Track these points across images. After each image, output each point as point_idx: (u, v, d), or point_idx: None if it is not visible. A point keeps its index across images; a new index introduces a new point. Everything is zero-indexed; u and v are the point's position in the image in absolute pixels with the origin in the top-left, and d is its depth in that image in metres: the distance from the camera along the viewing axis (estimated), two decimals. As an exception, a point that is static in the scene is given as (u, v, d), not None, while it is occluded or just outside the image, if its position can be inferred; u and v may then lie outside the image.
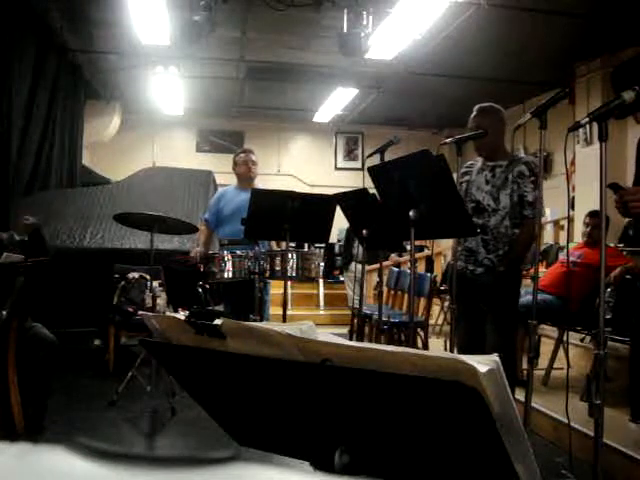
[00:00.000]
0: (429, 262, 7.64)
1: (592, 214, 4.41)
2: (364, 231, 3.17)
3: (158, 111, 9.31)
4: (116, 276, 4.86)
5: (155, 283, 4.35)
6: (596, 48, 6.42)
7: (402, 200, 2.51)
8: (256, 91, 8.83)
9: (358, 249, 5.43)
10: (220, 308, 4.21)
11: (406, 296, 5.53)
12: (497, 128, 3.17)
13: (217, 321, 1.01)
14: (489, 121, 3.14)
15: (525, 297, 3.87)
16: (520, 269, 3.27)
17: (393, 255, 6.88)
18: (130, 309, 4.61)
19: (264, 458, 0.98)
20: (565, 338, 4.14)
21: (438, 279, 5.83)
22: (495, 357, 0.76)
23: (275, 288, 4.75)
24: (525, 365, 3.02)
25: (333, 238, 9.25)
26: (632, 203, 2.11)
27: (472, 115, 3.22)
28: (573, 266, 4.19)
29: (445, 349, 4.82)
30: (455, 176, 2.71)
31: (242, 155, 4.42)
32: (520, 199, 3.10)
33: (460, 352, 3.10)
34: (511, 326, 3.19)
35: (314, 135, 11.26)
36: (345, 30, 5.29)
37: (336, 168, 11.46)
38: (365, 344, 0.92)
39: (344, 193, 3.33)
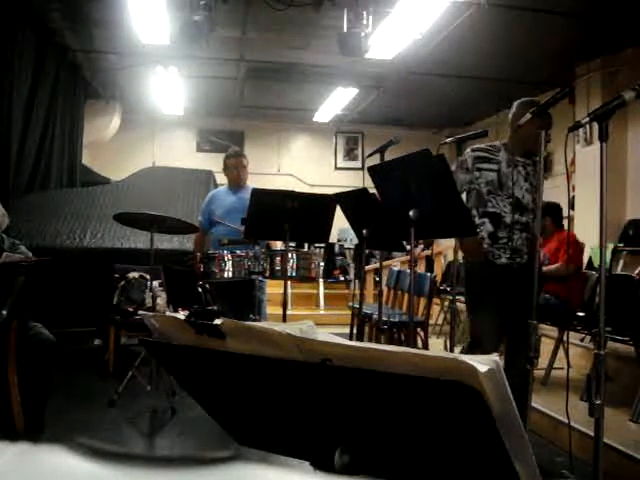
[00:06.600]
0: (429, 262, 7.65)
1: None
2: (364, 231, 3.17)
3: (158, 111, 9.32)
4: (116, 276, 4.86)
5: (155, 283, 4.35)
6: (596, 48, 6.42)
7: (402, 200, 2.51)
8: (256, 91, 8.83)
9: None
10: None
11: (406, 296, 5.53)
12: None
13: (217, 321, 1.01)
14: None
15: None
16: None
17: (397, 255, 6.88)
18: (130, 309, 4.61)
19: (264, 458, 0.98)
20: (565, 338, 4.14)
21: (438, 279, 5.83)
22: (495, 357, 0.76)
23: (275, 288, 4.74)
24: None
25: (333, 238, 9.25)
26: None
27: (514, 110, 3.05)
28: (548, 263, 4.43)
29: (445, 349, 4.83)
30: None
31: (232, 160, 4.39)
32: None
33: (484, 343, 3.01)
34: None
35: (314, 135, 11.27)
36: (345, 30, 5.29)
37: (336, 168, 11.47)
38: (365, 344, 0.91)
39: (344, 193, 3.32)
